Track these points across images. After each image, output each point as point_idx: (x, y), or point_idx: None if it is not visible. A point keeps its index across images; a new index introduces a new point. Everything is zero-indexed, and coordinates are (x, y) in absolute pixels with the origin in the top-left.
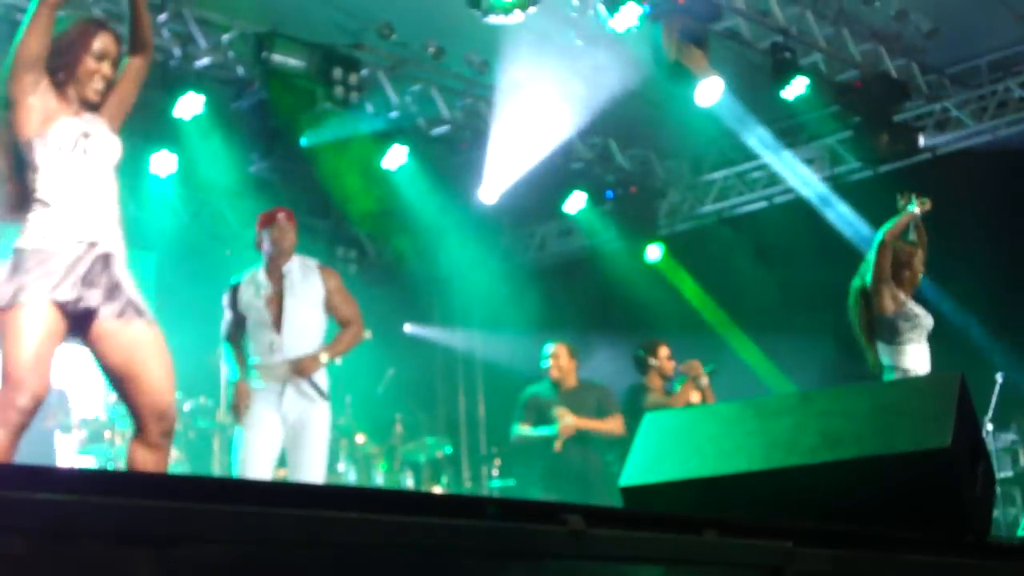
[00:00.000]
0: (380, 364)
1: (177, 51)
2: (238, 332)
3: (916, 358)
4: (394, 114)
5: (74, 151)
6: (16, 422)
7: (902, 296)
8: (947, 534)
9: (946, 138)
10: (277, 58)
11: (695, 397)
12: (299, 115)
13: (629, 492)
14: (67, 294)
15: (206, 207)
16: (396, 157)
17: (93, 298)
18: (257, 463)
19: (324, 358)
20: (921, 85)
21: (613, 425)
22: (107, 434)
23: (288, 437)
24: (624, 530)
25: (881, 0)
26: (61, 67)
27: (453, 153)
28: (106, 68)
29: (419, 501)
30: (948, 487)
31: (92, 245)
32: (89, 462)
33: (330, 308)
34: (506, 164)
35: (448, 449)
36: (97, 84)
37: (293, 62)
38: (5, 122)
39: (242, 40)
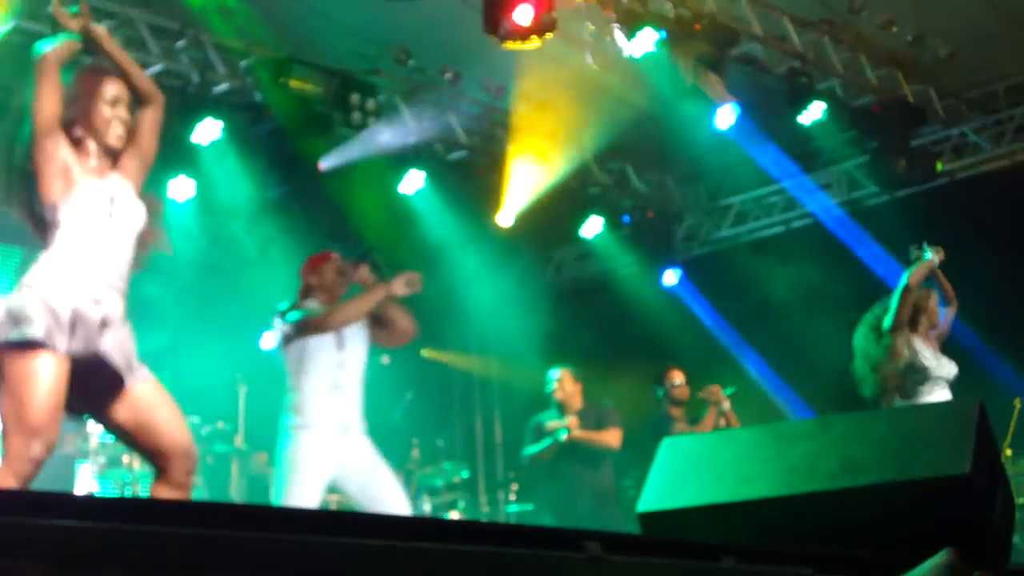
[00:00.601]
0: (397, 389)
1: (195, 77)
2: None
3: None
4: (411, 139)
5: (99, 215)
6: (28, 474)
7: (916, 343)
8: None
9: (964, 163)
10: (295, 84)
11: (721, 422)
12: (316, 140)
13: (647, 518)
14: (75, 345)
15: (224, 232)
16: (413, 182)
17: (95, 354)
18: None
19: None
20: (939, 110)
21: (609, 437)
22: (125, 459)
23: (351, 479)
24: (642, 556)
25: (898, 25)
26: (76, 119)
27: (470, 178)
28: (122, 112)
29: (437, 528)
30: (967, 514)
31: (97, 303)
32: (107, 487)
33: (372, 334)
34: (523, 188)
35: (465, 474)
36: (117, 130)
37: (310, 88)
38: (27, 188)
39: (260, 66)
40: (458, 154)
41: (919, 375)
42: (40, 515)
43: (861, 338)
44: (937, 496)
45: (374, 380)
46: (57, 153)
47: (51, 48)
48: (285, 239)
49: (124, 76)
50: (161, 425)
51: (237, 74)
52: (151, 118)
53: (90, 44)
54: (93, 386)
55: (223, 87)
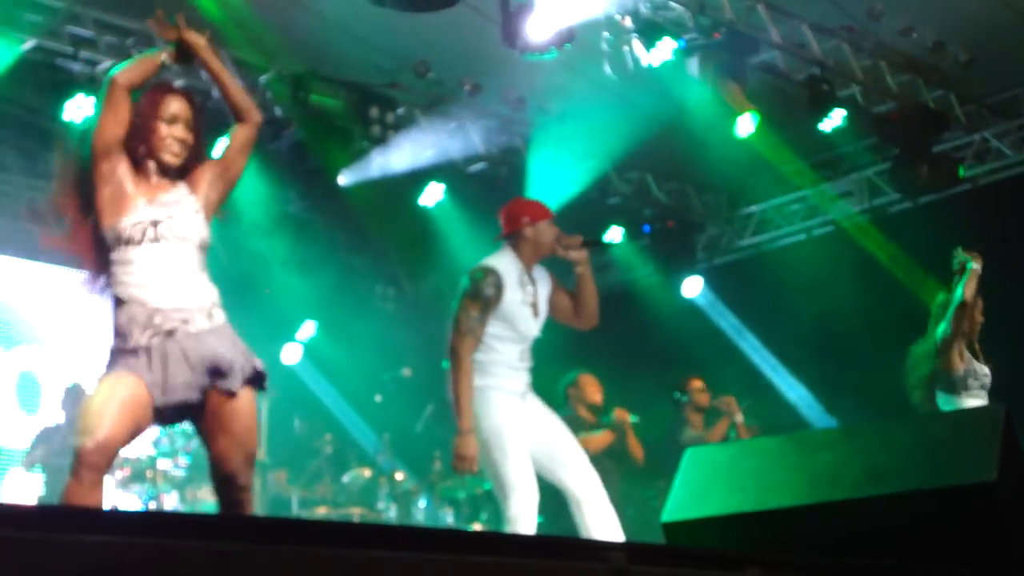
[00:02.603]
0: (419, 401)
1: (215, 92)
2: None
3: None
4: (430, 152)
5: (142, 243)
6: (79, 466)
7: (967, 353)
8: (992, 569)
9: (986, 168)
10: (314, 98)
11: (732, 433)
12: (336, 154)
13: (671, 528)
14: (158, 397)
15: (244, 246)
16: (433, 194)
17: (181, 389)
18: (528, 470)
19: None
20: (960, 116)
21: (638, 448)
22: (148, 473)
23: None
24: (667, 567)
25: (918, 31)
26: (138, 139)
27: (489, 190)
28: (179, 131)
29: (461, 539)
30: (993, 522)
31: (170, 334)
32: (131, 501)
33: (558, 309)
34: (543, 200)
35: (487, 485)
36: (173, 148)
37: (330, 102)
38: (91, 211)
39: (279, 81)
40: (478, 166)
41: (979, 381)
42: (64, 529)
43: (917, 363)
44: (963, 504)
45: (396, 393)
46: (113, 176)
47: (122, 72)
48: (305, 252)
49: (217, 84)
50: (211, 450)
51: (257, 89)
52: (243, 135)
53: (186, 54)
54: (187, 409)
55: None
